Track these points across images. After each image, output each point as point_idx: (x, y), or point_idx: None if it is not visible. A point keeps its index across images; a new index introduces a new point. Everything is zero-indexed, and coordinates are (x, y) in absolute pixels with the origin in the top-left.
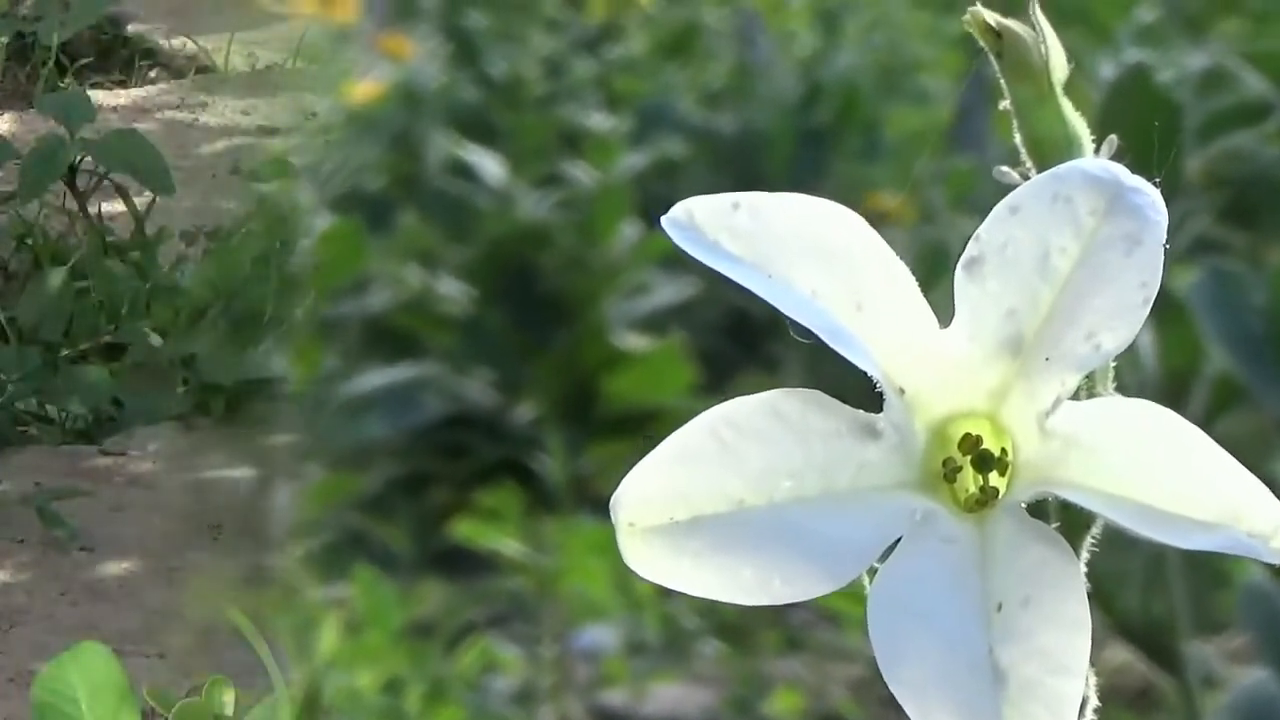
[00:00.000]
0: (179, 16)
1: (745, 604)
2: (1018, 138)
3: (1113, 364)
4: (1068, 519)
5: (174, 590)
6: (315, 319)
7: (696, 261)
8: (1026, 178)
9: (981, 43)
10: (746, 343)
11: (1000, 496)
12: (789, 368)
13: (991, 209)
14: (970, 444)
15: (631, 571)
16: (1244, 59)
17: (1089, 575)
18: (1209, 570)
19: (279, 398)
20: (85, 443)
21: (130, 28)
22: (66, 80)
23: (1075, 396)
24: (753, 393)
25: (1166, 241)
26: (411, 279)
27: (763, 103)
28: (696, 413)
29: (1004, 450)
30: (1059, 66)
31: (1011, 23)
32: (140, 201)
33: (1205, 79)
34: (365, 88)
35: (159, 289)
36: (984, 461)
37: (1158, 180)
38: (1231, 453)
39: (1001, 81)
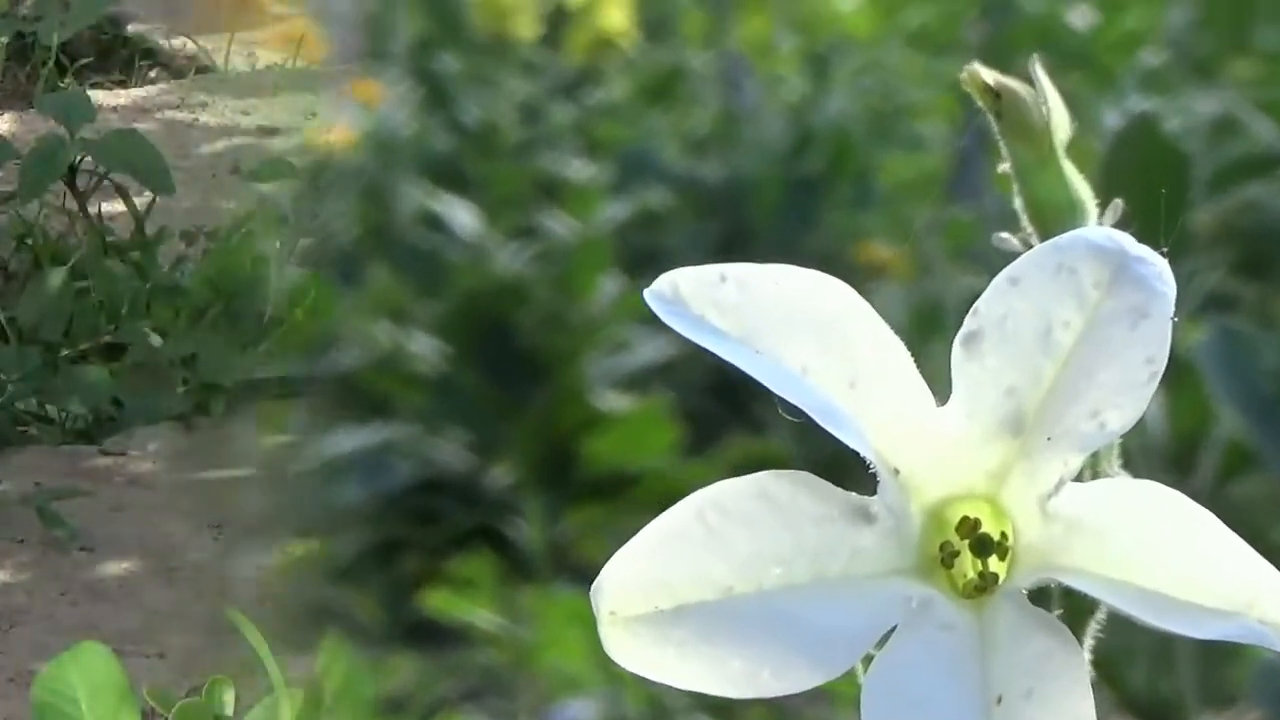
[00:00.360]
0: (179, 16)
1: (734, 697)
2: (1018, 202)
3: (1118, 440)
4: (1071, 605)
5: (174, 590)
6: (281, 378)
7: None
8: (1027, 244)
9: (979, 102)
10: (732, 403)
11: (1000, 582)
12: (777, 430)
13: (991, 260)
14: (969, 527)
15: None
16: (1255, 106)
17: (1095, 649)
18: (1218, 645)
19: (280, 398)
20: (85, 443)
21: (130, 28)
22: (66, 80)
23: (1079, 477)
24: (739, 456)
25: (1174, 303)
26: (381, 336)
27: (750, 150)
28: (680, 476)
29: (1004, 534)
30: (1061, 127)
31: (1011, 81)
32: (140, 201)
33: (1215, 127)
34: (333, 134)
35: (159, 289)
36: (983, 546)
37: (1165, 250)
38: (1243, 519)
39: (1000, 142)
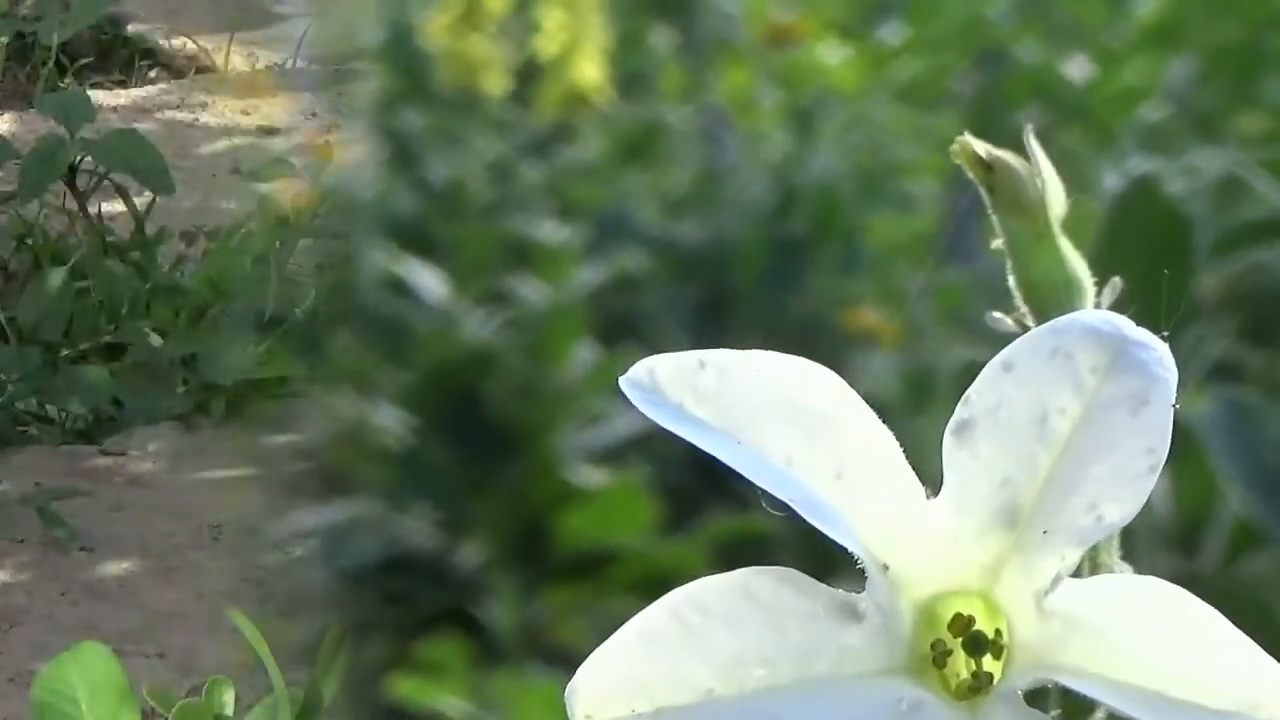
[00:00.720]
0: (179, 16)
1: None
2: (1011, 280)
3: (1118, 531)
4: (1069, 707)
5: (174, 590)
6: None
7: None
8: (1022, 324)
9: (971, 176)
10: (713, 478)
11: (995, 683)
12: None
13: (985, 327)
14: (961, 625)
15: None
16: (1261, 165)
17: None
18: None
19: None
20: (85, 443)
21: (130, 28)
22: (66, 80)
23: (1077, 571)
24: (720, 533)
25: (1178, 370)
26: (344, 407)
27: (731, 210)
28: (659, 555)
29: (999, 632)
30: (1056, 200)
31: (1003, 154)
32: (140, 201)
33: (1219, 188)
34: (294, 194)
35: (159, 289)
36: (977, 644)
37: (1166, 333)
38: (1251, 599)
39: (993, 218)
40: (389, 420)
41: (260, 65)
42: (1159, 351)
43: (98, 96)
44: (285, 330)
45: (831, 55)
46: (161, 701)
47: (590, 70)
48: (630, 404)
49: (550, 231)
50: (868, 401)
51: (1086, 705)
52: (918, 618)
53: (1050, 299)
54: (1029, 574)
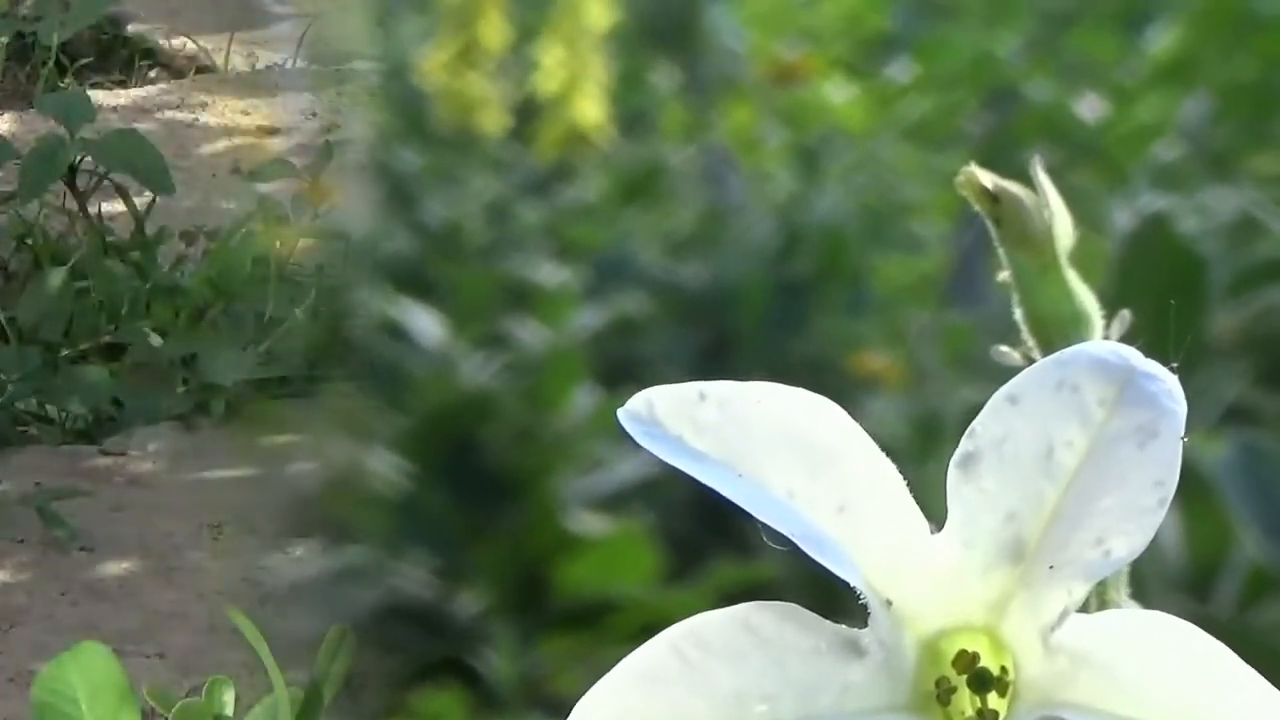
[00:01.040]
0: (179, 16)
1: None
2: (1018, 313)
3: (1127, 568)
4: None
5: (174, 590)
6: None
7: None
8: (1029, 358)
9: (977, 207)
10: (717, 525)
11: None
12: (764, 554)
13: (993, 370)
14: (966, 662)
15: None
16: (1277, 204)
17: None
18: None
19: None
20: (85, 443)
21: (130, 28)
22: (66, 80)
23: (1084, 607)
24: (725, 581)
25: (1192, 413)
26: (339, 453)
27: (734, 252)
28: (661, 604)
29: (1004, 669)
30: (1064, 233)
31: (1010, 185)
32: (140, 201)
33: (1234, 227)
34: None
35: (159, 289)
36: (981, 681)
37: (1175, 365)
38: (1265, 647)
39: (1000, 250)
40: (385, 466)
41: (260, 65)
42: (1168, 383)
43: (98, 96)
44: (285, 330)
45: (838, 94)
46: (161, 701)
47: (590, 109)
48: (631, 449)
49: (550, 273)
50: None
51: None
52: (921, 654)
53: (1057, 332)
54: (1035, 609)
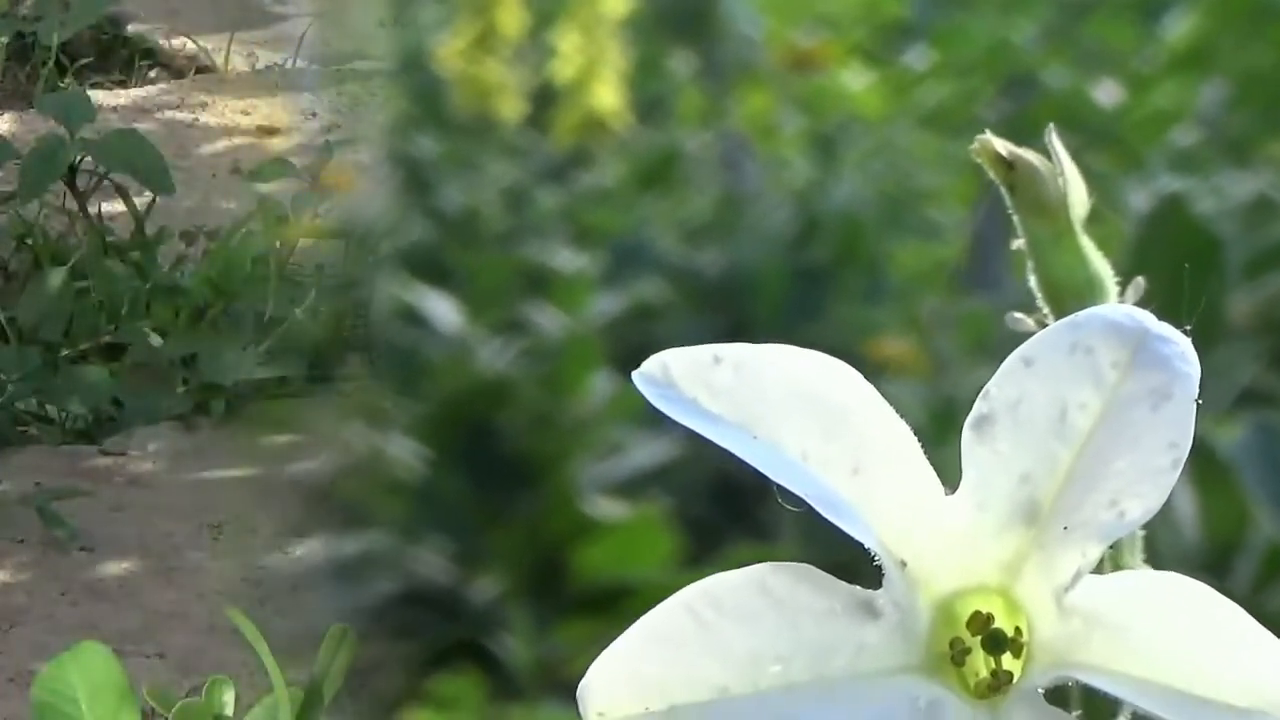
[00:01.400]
0: (179, 16)
1: None
2: (1032, 280)
3: (1141, 533)
4: (1091, 706)
5: (174, 590)
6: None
7: None
8: (1043, 325)
9: (992, 175)
10: (734, 509)
11: (1015, 681)
12: (782, 537)
13: (1009, 354)
14: (980, 623)
15: None
16: None
17: None
18: None
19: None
20: (85, 443)
21: (130, 28)
22: (66, 80)
23: (1099, 569)
24: (743, 566)
25: (1208, 394)
26: (356, 439)
27: (751, 238)
28: (678, 587)
29: (1018, 630)
30: (1079, 201)
31: (1025, 152)
32: (140, 201)
33: (1250, 210)
34: (304, 224)
35: (159, 289)
36: (996, 642)
37: (1189, 328)
38: None
39: (1015, 217)
40: (403, 452)
41: (260, 65)
42: (1181, 346)
43: (98, 96)
44: (285, 330)
45: (855, 80)
46: (161, 701)
47: (608, 95)
48: (648, 435)
49: (567, 259)
50: None
51: (1109, 705)
52: (936, 615)
53: (1071, 298)
54: (1049, 571)
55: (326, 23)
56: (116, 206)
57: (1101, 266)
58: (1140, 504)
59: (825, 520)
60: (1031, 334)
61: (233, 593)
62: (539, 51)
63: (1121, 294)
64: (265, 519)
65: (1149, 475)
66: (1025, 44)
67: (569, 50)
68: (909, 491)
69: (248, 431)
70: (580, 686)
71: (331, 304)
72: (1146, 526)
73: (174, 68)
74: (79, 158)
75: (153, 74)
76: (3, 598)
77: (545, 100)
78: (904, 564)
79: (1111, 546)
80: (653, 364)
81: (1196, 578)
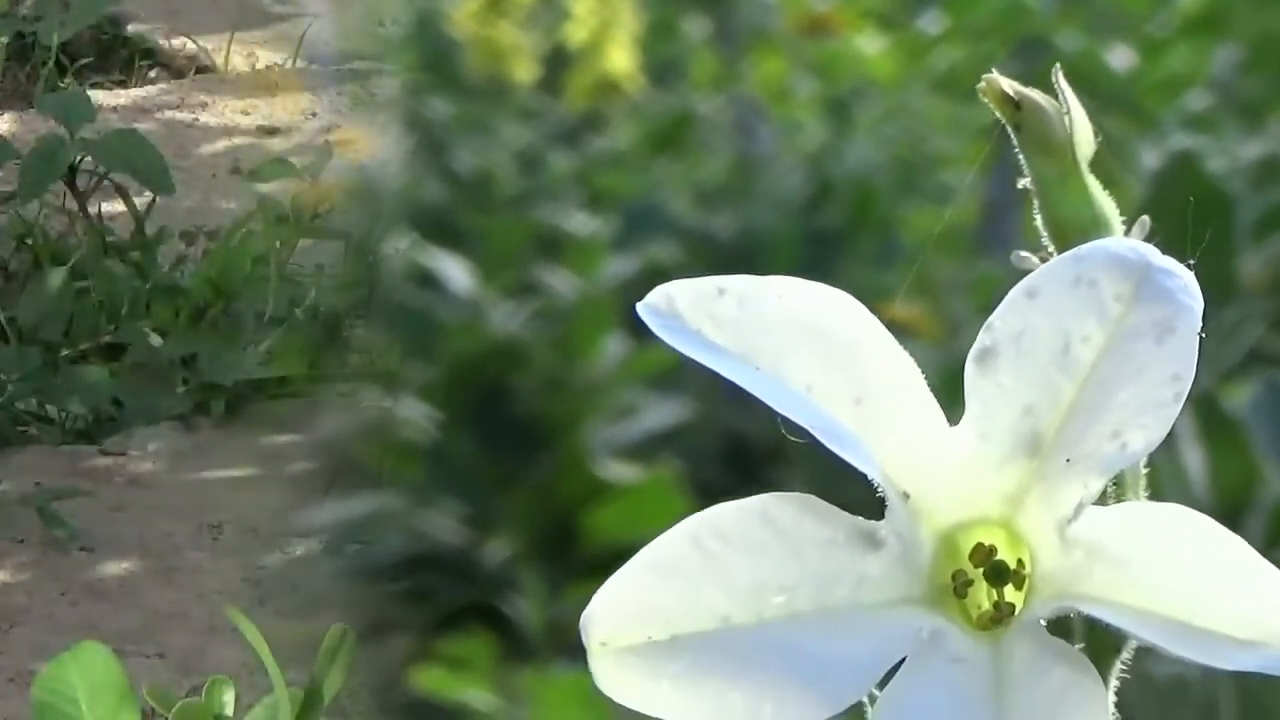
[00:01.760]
0: (179, 16)
1: None
2: (1038, 219)
3: (1144, 470)
4: (1094, 639)
5: (174, 590)
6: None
7: (690, 381)
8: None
9: (998, 114)
10: (745, 471)
11: (1017, 613)
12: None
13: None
14: (983, 555)
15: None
16: None
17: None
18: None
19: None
20: (85, 443)
21: (130, 28)
22: (66, 80)
23: (1101, 503)
24: None
25: (1216, 354)
26: (369, 401)
27: (764, 202)
28: None
29: (1021, 561)
30: (1085, 140)
31: (1032, 92)
32: (140, 201)
33: (1261, 169)
34: (317, 186)
35: (159, 289)
36: (998, 574)
37: (1192, 262)
38: None
39: (1021, 157)
40: (415, 414)
41: (260, 65)
42: (1184, 279)
43: (98, 96)
44: (286, 330)
45: (869, 45)
46: (161, 701)
47: (621, 58)
48: (660, 397)
49: (580, 222)
50: None
51: (1112, 637)
52: (938, 547)
53: (1077, 236)
54: (1052, 503)
55: (326, 23)
56: (116, 206)
57: (1107, 205)
58: (1143, 436)
59: (835, 477)
60: None
61: (233, 593)
62: (552, 14)
63: (1127, 232)
64: (265, 519)
65: (1152, 407)
66: (1038, 7)
67: (582, 13)
68: (912, 423)
69: (248, 431)
70: (583, 616)
71: (317, 315)
72: (1148, 465)
73: (174, 68)
74: (79, 158)
75: (153, 74)
76: (3, 598)
77: (558, 63)
78: (907, 495)
79: (1115, 484)
80: (657, 295)
81: None
